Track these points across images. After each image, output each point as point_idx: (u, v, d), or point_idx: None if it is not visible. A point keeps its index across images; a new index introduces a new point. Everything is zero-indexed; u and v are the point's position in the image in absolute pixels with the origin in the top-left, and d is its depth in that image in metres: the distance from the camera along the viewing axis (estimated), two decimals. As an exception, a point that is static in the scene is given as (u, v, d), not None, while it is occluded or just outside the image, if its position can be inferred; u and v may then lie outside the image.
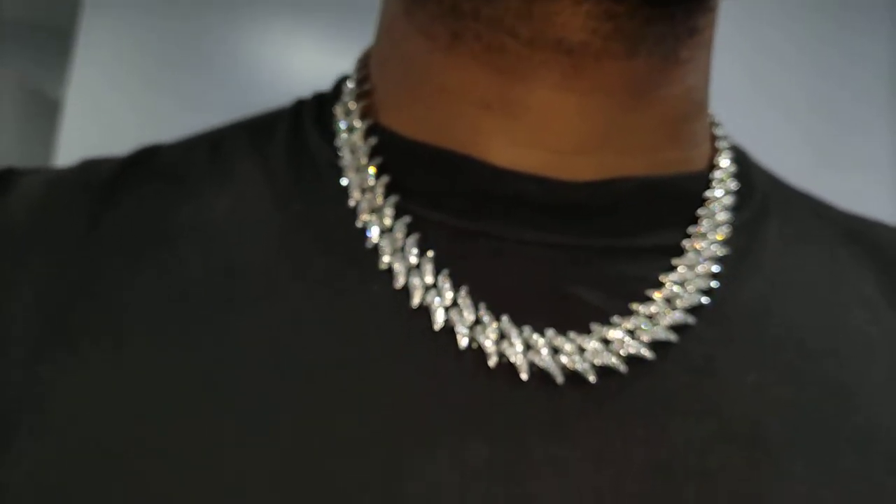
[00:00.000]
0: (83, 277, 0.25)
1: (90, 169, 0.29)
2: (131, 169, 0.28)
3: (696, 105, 0.27)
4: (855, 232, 0.30)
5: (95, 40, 1.74)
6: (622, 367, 0.23)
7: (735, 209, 0.28)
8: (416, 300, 0.24)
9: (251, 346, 0.23)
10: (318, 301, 0.24)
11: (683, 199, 0.27)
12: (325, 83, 0.31)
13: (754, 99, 1.48)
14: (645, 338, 0.24)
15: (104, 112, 1.72)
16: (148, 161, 0.29)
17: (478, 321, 0.23)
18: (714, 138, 0.29)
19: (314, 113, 0.29)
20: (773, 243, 0.28)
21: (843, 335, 0.26)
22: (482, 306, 0.24)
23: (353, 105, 0.28)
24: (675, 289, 0.25)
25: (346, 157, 0.27)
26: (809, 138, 1.47)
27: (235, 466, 0.21)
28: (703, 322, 0.25)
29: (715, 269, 0.26)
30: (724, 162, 0.28)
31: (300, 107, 0.30)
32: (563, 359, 0.23)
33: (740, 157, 0.30)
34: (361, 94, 0.28)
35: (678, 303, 0.25)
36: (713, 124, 0.30)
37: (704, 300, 0.25)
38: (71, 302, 0.24)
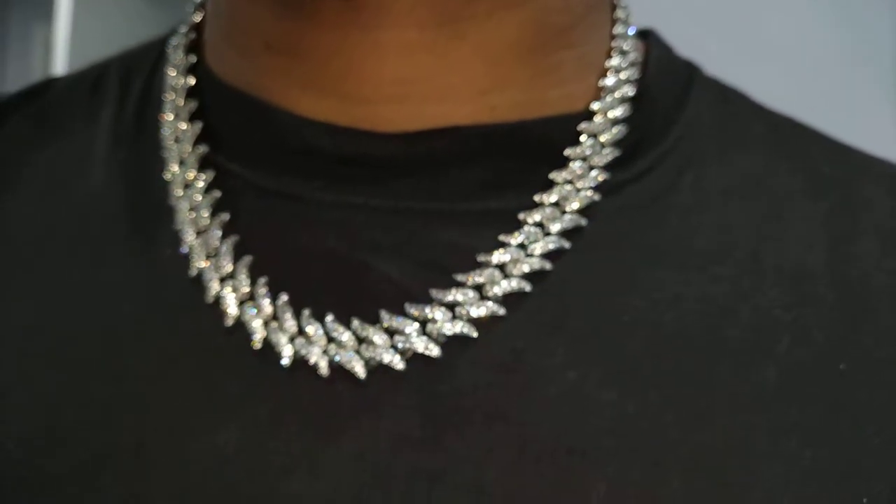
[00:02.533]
0: None
1: None
2: (18, 104, 0.27)
3: (558, 33, 0.21)
4: (830, 182, 0.23)
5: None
6: (400, 366, 0.20)
7: (617, 162, 0.22)
8: (194, 269, 0.22)
9: (24, 307, 0.22)
10: (117, 260, 0.22)
11: (535, 152, 0.21)
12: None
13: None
14: (445, 329, 0.20)
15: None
16: (39, 95, 0.28)
17: (252, 297, 0.21)
18: (604, 72, 0.23)
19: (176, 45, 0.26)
20: (671, 205, 0.22)
21: (732, 324, 0.20)
22: (262, 280, 0.21)
23: (181, 38, 0.25)
24: (493, 273, 0.20)
25: (167, 98, 0.24)
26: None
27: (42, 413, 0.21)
28: (523, 315, 0.20)
29: (556, 246, 0.21)
30: (606, 104, 0.22)
31: (174, 33, 0.27)
32: (332, 349, 0.20)
33: (648, 91, 0.23)
34: (193, 27, 0.25)
35: (493, 290, 0.20)
36: (613, 49, 0.23)
37: (527, 287, 0.20)
38: None
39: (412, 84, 0.20)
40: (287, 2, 0.20)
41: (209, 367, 0.20)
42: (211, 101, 0.23)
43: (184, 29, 0.25)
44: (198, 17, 0.25)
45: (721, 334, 0.20)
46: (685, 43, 0.27)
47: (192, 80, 0.24)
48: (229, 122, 0.23)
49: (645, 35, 0.25)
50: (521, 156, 0.21)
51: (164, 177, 0.23)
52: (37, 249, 0.23)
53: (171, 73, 0.24)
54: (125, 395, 0.20)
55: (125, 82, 0.26)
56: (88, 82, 0.27)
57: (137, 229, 0.23)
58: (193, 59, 0.24)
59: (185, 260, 0.22)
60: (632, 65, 0.23)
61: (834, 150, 0.25)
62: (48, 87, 0.28)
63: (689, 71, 0.25)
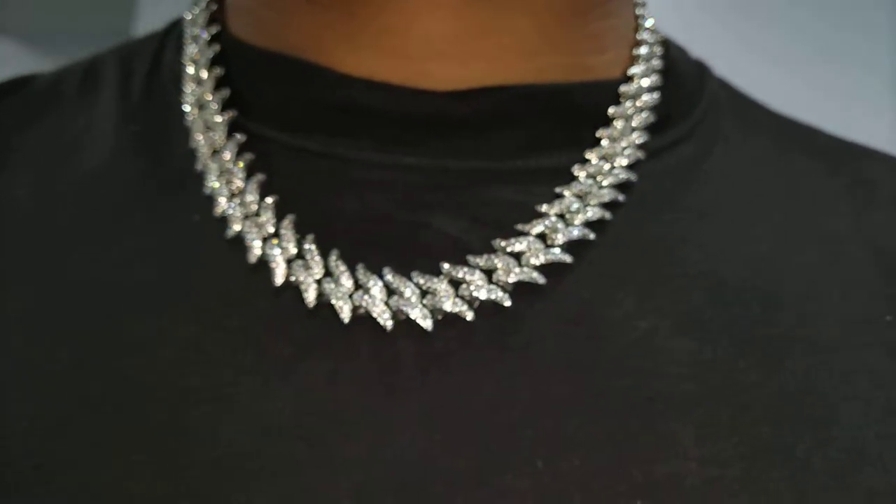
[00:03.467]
0: None
1: None
2: None
3: (597, 1, 0.22)
4: (839, 163, 0.25)
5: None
6: (469, 315, 0.19)
7: (654, 128, 0.23)
8: (232, 230, 0.20)
9: (63, 281, 0.21)
10: (137, 231, 0.21)
11: (580, 113, 0.22)
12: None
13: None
14: (510, 278, 0.19)
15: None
16: (17, 89, 0.26)
17: (300, 255, 0.20)
18: (636, 43, 0.24)
19: (180, 27, 0.26)
20: (707, 170, 0.23)
21: (784, 277, 0.21)
22: (309, 238, 0.20)
23: (199, 11, 0.24)
24: (555, 222, 0.20)
25: (188, 70, 0.23)
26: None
27: (56, 397, 0.19)
28: (587, 262, 0.20)
29: (611, 198, 0.21)
30: (642, 70, 0.23)
31: (177, 22, 0.26)
32: (394, 301, 0.19)
33: (675, 66, 0.24)
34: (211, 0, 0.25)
35: (556, 237, 0.20)
36: (640, 27, 0.24)
37: (591, 235, 0.20)
38: None
39: (463, 42, 0.20)
40: None
41: (258, 330, 0.19)
42: (238, 66, 0.23)
43: (200, 3, 0.25)
44: None
45: (775, 287, 0.21)
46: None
47: (216, 48, 0.23)
48: (261, 86, 0.22)
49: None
50: (567, 116, 0.22)
51: (189, 145, 0.22)
52: (38, 229, 0.22)
53: (191, 45, 0.24)
54: (162, 363, 0.19)
55: (126, 67, 0.25)
56: (77, 74, 0.26)
57: (156, 198, 0.22)
58: (215, 28, 0.24)
59: (217, 223, 0.21)
60: (657, 41, 0.24)
61: (832, 138, 0.27)
62: (27, 81, 0.27)
63: (700, 64, 0.27)
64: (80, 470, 0.18)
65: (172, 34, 0.26)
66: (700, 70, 0.26)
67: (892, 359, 0.20)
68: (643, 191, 0.22)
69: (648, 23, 0.24)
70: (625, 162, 0.22)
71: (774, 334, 0.20)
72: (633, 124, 0.22)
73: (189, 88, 0.23)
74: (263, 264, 0.20)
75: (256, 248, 0.20)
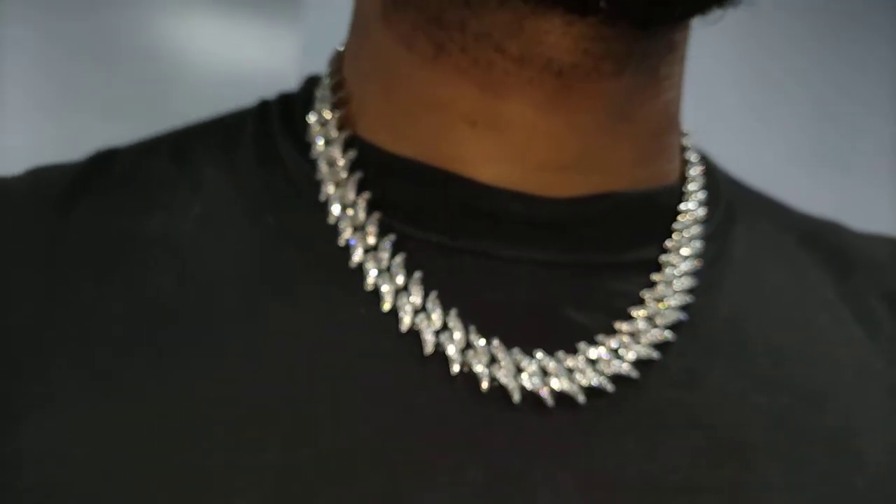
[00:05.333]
0: (49, 300, 0.23)
1: (41, 179, 0.27)
2: (88, 178, 0.27)
3: (672, 119, 0.27)
4: (812, 235, 0.31)
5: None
6: (609, 387, 0.23)
7: (705, 220, 0.28)
8: (405, 324, 0.23)
9: (235, 371, 0.22)
10: (303, 323, 0.23)
11: (660, 213, 0.27)
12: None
13: (757, 103, 1.48)
14: (629, 356, 0.24)
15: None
16: (105, 169, 0.27)
17: (469, 345, 0.23)
18: (683, 149, 0.29)
19: (283, 118, 0.28)
20: (740, 251, 0.28)
21: (812, 339, 0.27)
22: (472, 329, 0.24)
23: (328, 114, 0.26)
24: (655, 305, 0.25)
25: (323, 171, 0.26)
26: (811, 142, 1.49)
27: (225, 495, 0.20)
28: (682, 337, 0.25)
29: (690, 283, 0.26)
30: (694, 173, 0.29)
31: (266, 110, 0.28)
32: (553, 381, 0.23)
33: (707, 167, 0.30)
34: (337, 103, 0.27)
35: (658, 320, 0.25)
36: (682, 134, 0.30)
37: (682, 316, 0.25)
38: (38, 328, 0.23)
39: (582, 159, 0.25)
40: (501, 84, 0.23)
41: (444, 412, 0.22)
42: (378, 171, 0.25)
43: (321, 106, 0.27)
44: (333, 96, 0.27)
45: (810, 347, 0.27)
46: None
47: (353, 154, 0.25)
48: (405, 190, 0.25)
49: None
50: (651, 215, 0.27)
51: (338, 243, 0.24)
52: (194, 319, 0.23)
53: (321, 147, 0.26)
54: (367, 442, 0.21)
55: (225, 154, 0.27)
56: (163, 155, 0.27)
57: (327, 293, 0.24)
58: (347, 133, 0.26)
59: (387, 317, 0.23)
60: (691, 147, 0.30)
61: (805, 216, 0.33)
62: (110, 157, 0.28)
63: (705, 157, 0.32)
64: None
65: (269, 122, 0.28)
66: (712, 163, 0.31)
67: (892, 397, 0.27)
68: (705, 274, 0.27)
69: (688, 131, 0.30)
70: (691, 252, 0.27)
71: (817, 386, 0.26)
72: (695, 216, 0.27)
73: (330, 189, 0.25)
74: (437, 354, 0.23)
75: (430, 340, 0.23)
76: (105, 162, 0.27)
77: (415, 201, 0.25)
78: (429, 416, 0.22)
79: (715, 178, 0.30)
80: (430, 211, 0.25)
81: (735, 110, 1.43)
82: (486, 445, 0.22)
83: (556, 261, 0.25)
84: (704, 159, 0.30)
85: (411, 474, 0.21)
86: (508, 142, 0.24)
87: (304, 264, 0.24)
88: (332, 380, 0.22)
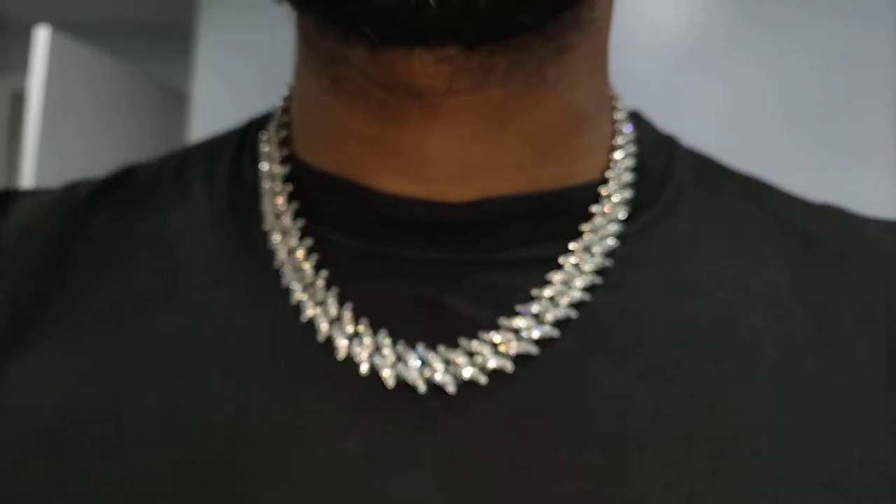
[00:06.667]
0: (51, 288, 0.29)
1: (72, 191, 0.33)
2: (106, 190, 0.33)
3: (579, 118, 0.28)
4: (792, 223, 0.30)
5: (215, 36, 1.85)
6: (482, 380, 0.25)
7: (630, 217, 0.28)
8: (306, 315, 0.27)
9: (148, 343, 0.27)
10: (229, 308, 0.27)
11: (564, 213, 0.28)
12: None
13: (757, 99, 1.48)
14: (511, 350, 0.26)
15: (229, 101, 1.84)
16: (123, 182, 0.33)
17: (356, 334, 0.26)
18: (612, 149, 0.29)
19: (253, 137, 0.32)
20: (672, 246, 0.28)
21: (731, 337, 0.26)
22: (364, 321, 0.26)
23: (274, 134, 0.31)
24: (546, 303, 0.26)
25: (265, 185, 0.30)
26: (811, 136, 1.46)
27: (138, 459, 0.25)
28: (570, 333, 0.26)
29: (590, 281, 0.27)
30: (617, 172, 0.29)
31: (248, 129, 0.33)
32: (428, 371, 0.25)
33: (646, 163, 0.30)
34: (282, 125, 0.31)
35: (547, 316, 0.26)
36: (617, 132, 0.30)
37: (573, 314, 0.26)
38: (35, 310, 0.29)
39: (471, 166, 0.27)
40: (381, 109, 0.26)
41: (328, 391, 0.25)
42: (305, 184, 0.29)
43: (271, 128, 0.31)
44: (281, 119, 0.31)
45: (726, 348, 0.26)
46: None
47: (286, 169, 0.30)
48: (325, 201, 0.29)
49: (633, 115, 0.32)
50: (554, 216, 0.28)
51: (268, 246, 0.29)
52: (165, 300, 0.28)
53: (265, 165, 0.30)
54: (259, 412, 0.25)
55: (209, 169, 0.32)
56: (169, 169, 0.33)
57: (253, 287, 0.28)
58: (286, 152, 0.30)
59: (294, 310, 0.27)
60: (629, 142, 0.30)
61: (789, 197, 0.32)
62: (130, 173, 0.33)
63: (670, 144, 0.32)
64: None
65: (247, 141, 0.32)
66: (668, 147, 0.31)
67: (815, 398, 0.25)
68: (613, 273, 0.27)
69: (625, 126, 0.30)
70: (600, 250, 0.27)
71: (719, 384, 0.25)
72: (610, 218, 0.28)
73: (267, 200, 0.29)
74: (330, 342, 0.26)
75: (323, 330, 0.27)
76: (124, 176, 0.33)
77: (333, 210, 0.28)
78: (317, 395, 0.25)
79: (656, 168, 0.30)
80: (345, 219, 0.28)
81: (733, 110, 1.40)
82: (362, 421, 0.25)
83: (451, 259, 0.27)
84: (649, 149, 0.30)
85: (296, 442, 0.24)
86: (398, 161, 0.27)
87: (243, 264, 0.29)
88: (233, 357, 0.26)
